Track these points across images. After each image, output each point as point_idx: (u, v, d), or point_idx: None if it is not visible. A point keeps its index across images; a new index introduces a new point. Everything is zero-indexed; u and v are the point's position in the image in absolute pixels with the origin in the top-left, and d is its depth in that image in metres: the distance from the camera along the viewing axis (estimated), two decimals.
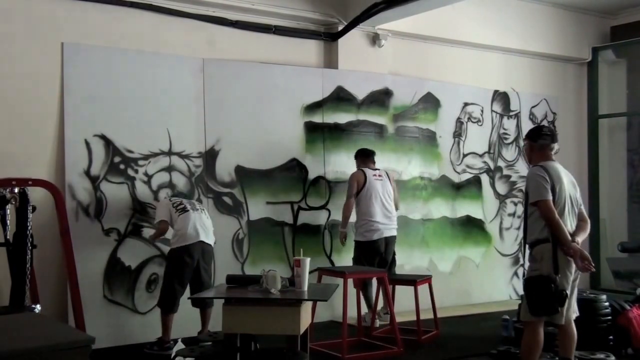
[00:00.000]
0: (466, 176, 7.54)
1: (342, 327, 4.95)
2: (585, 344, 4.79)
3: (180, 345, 4.60)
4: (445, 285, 6.95)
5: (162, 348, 5.05)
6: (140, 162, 5.62)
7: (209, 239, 5.20)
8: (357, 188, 6.09)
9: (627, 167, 8.55)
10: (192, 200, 5.42)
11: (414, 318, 5.62)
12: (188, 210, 5.14)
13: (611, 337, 4.99)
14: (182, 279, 5.08)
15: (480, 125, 7.73)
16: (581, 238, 4.22)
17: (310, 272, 4.02)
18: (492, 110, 7.86)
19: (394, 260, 6.26)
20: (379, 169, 6.27)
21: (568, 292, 4.02)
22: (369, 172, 6.15)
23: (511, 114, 8.03)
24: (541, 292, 3.95)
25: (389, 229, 6.11)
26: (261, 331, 3.85)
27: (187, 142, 5.86)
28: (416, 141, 7.18)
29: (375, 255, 6.07)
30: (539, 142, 4.41)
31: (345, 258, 6.49)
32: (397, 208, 6.32)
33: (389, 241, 6.13)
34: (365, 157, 6.26)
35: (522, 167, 8.06)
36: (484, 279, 7.48)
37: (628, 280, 7.91)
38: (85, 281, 5.15)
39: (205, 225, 5.18)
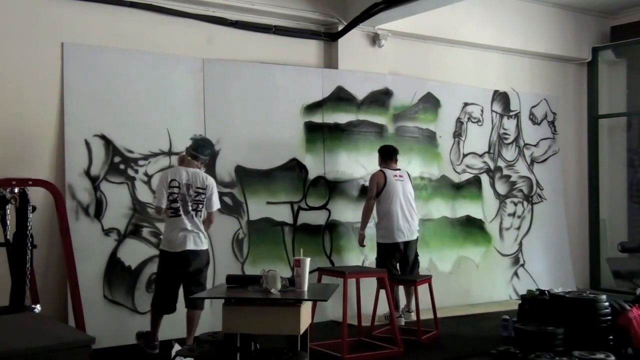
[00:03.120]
0: (466, 176, 7.54)
1: (342, 327, 4.94)
2: (585, 344, 4.79)
3: (177, 347, 4.62)
4: (445, 285, 6.94)
5: (148, 345, 4.99)
6: (140, 162, 5.61)
7: (200, 245, 4.93)
8: (377, 189, 6.10)
9: (627, 167, 8.55)
10: (191, 189, 4.92)
11: (414, 318, 5.61)
12: (180, 215, 4.88)
13: (611, 337, 4.99)
14: (172, 282, 4.93)
15: (480, 125, 7.73)
16: None
17: (310, 272, 4.02)
18: (492, 110, 7.86)
19: (416, 262, 6.26)
20: (399, 169, 6.28)
21: None
22: (389, 172, 6.16)
23: (511, 114, 8.03)
24: None
25: (410, 231, 6.13)
26: (261, 331, 3.85)
27: (187, 142, 5.82)
28: (416, 141, 7.18)
29: (397, 257, 6.12)
30: None
31: (345, 258, 6.50)
32: None
33: (410, 244, 6.15)
34: (387, 157, 6.26)
35: (523, 167, 8.06)
36: (484, 279, 7.48)
37: (628, 280, 7.91)
38: (85, 281, 5.15)
39: (196, 229, 4.91)
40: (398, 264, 6.17)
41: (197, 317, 4.96)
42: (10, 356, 2.17)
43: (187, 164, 5.00)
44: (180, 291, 5.03)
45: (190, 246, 4.88)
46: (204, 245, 4.99)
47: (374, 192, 6.14)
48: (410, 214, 6.17)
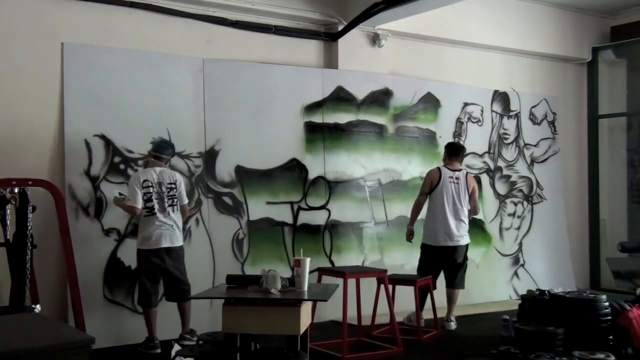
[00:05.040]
0: None
1: (342, 327, 4.94)
2: (585, 344, 4.80)
3: (177, 347, 4.62)
4: (445, 285, 6.93)
5: (147, 347, 5.05)
6: (140, 162, 5.61)
7: (175, 241, 5.09)
8: (431, 187, 6.02)
9: (627, 167, 8.55)
10: (163, 186, 5.08)
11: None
12: (155, 213, 5.02)
13: (611, 337, 4.99)
14: (152, 276, 5.06)
15: (480, 125, 7.73)
16: None
17: (310, 272, 4.02)
18: (492, 110, 7.86)
19: (463, 266, 6.10)
20: (460, 170, 6.14)
21: None
22: (445, 172, 6.06)
23: (511, 114, 8.03)
24: None
25: (456, 236, 5.97)
26: (261, 331, 3.85)
27: (187, 142, 5.86)
28: (416, 141, 7.17)
29: (438, 260, 6.02)
30: None
31: (345, 258, 6.50)
32: (475, 212, 6.20)
33: (457, 249, 6.00)
34: (452, 153, 6.17)
35: (523, 167, 8.06)
36: (484, 279, 7.47)
37: (628, 280, 7.91)
38: (85, 281, 5.15)
39: (171, 226, 5.05)
40: (443, 268, 6.05)
41: (188, 308, 5.16)
42: (10, 356, 2.17)
43: (152, 165, 5.18)
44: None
45: (165, 244, 5.05)
46: (179, 242, 5.15)
47: (426, 189, 6.05)
48: (459, 219, 5.99)
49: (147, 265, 5.06)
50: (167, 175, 5.16)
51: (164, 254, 5.05)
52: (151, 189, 5.05)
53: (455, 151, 6.20)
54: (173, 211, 5.12)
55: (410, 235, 6.12)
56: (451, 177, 6.04)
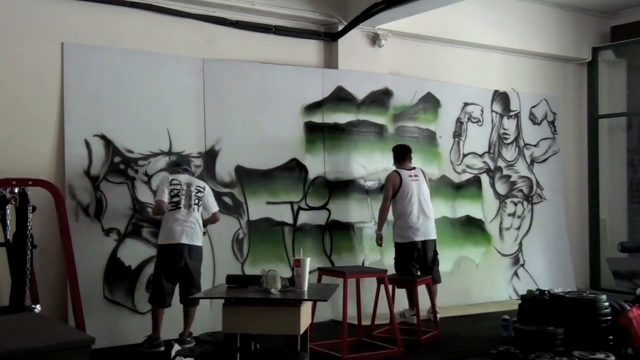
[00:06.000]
0: (466, 176, 7.54)
1: (342, 327, 4.94)
2: (585, 344, 4.80)
3: (177, 347, 4.63)
4: (445, 285, 6.93)
5: (151, 345, 5.05)
6: (140, 162, 5.61)
7: (195, 240, 5.12)
8: (393, 190, 6.15)
9: (627, 167, 8.55)
10: (192, 187, 5.20)
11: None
12: (180, 207, 5.09)
13: (611, 337, 4.99)
14: (170, 274, 5.07)
15: (480, 125, 7.73)
16: None
17: (310, 272, 4.02)
18: (492, 110, 7.86)
19: (435, 261, 6.27)
20: (414, 168, 6.32)
21: None
22: (404, 173, 6.21)
23: (511, 114, 8.03)
24: None
25: (427, 231, 6.17)
26: (261, 331, 3.85)
27: (187, 142, 5.86)
28: (416, 141, 7.16)
29: (414, 256, 6.14)
30: None
31: (345, 258, 6.50)
32: None
33: (428, 243, 6.17)
34: (400, 157, 6.32)
35: (523, 167, 8.06)
36: (484, 279, 7.47)
37: (628, 280, 7.91)
38: (85, 281, 5.15)
39: (193, 225, 5.10)
40: (417, 264, 6.17)
41: (193, 312, 5.19)
42: (10, 356, 2.18)
43: (175, 173, 5.34)
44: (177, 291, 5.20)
45: (185, 240, 5.07)
46: (198, 242, 5.17)
47: (390, 193, 6.17)
48: (427, 213, 6.19)
49: (167, 263, 5.05)
50: (197, 180, 5.34)
51: (186, 251, 5.05)
52: (179, 187, 5.17)
53: (402, 155, 6.33)
54: (197, 210, 5.19)
55: (380, 240, 6.25)
56: (410, 175, 6.22)
